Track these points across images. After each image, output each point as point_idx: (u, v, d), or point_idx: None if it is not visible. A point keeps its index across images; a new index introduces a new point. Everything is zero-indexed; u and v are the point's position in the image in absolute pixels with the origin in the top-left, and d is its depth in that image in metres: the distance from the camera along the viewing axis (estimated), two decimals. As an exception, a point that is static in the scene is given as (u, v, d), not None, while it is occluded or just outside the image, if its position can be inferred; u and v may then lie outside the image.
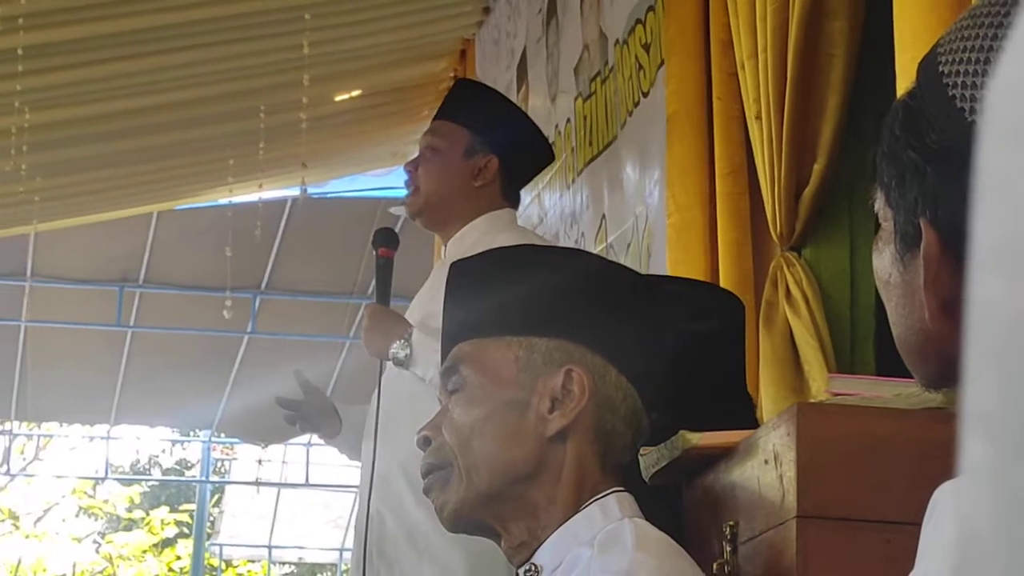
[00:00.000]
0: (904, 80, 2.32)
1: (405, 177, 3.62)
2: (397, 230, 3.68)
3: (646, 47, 4.07)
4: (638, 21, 4.14)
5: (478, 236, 3.36)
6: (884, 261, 1.08)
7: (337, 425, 3.60)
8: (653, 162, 4.02)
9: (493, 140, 3.54)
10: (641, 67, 4.11)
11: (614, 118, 4.38)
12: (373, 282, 3.60)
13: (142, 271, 8.86)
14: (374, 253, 3.53)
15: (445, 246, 3.61)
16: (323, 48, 5.60)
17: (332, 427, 3.61)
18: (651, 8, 4.02)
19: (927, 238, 1.02)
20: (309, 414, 3.59)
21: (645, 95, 4.09)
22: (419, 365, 3.34)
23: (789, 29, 3.01)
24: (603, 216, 4.47)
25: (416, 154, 3.68)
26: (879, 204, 1.09)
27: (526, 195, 5.23)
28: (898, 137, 1.05)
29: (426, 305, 3.47)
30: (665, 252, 3.79)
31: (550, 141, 5.04)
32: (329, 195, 8.59)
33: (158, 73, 5.63)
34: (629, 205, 4.23)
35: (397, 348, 3.35)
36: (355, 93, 6.69)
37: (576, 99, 4.78)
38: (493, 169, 3.52)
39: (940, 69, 1.02)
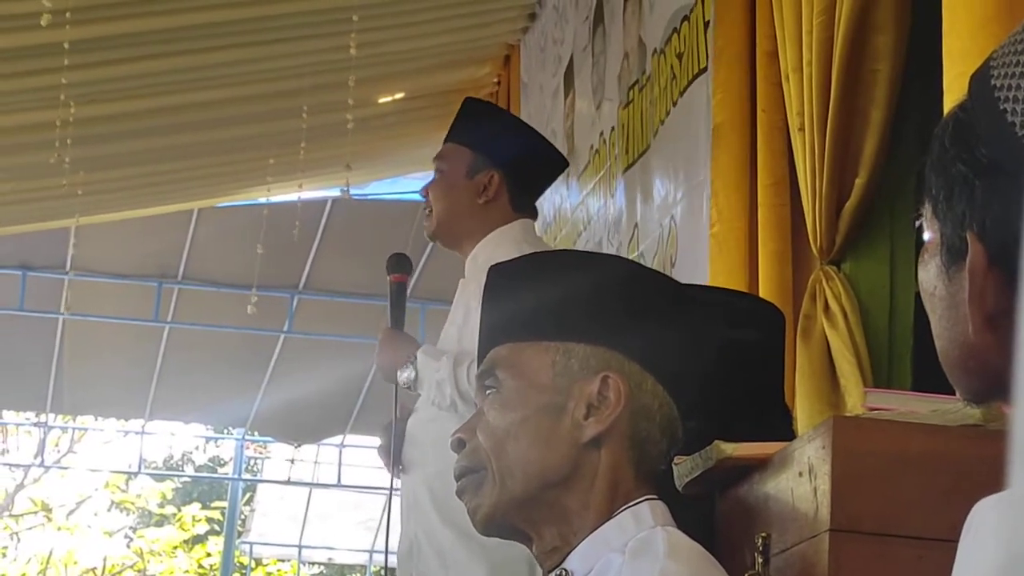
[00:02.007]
0: (951, 96, 2.31)
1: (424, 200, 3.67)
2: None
3: (679, 56, 4.06)
4: (674, 31, 4.13)
5: (490, 252, 3.37)
6: (929, 273, 1.08)
7: None
8: (679, 173, 4.01)
9: (494, 156, 3.55)
10: (675, 76, 4.10)
11: (648, 127, 4.38)
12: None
13: (181, 267, 8.90)
14: (388, 278, 3.57)
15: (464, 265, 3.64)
16: (368, 50, 5.62)
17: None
18: (686, 18, 4.02)
19: (973, 252, 1.01)
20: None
21: (675, 105, 4.09)
22: (423, 386, 3.37)
23: (834, 43, 3.00)
24: (635, 225, 4.47)
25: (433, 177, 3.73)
26: (926, 216, 1.08)
27: (574, 199, 5.23)
28: (947, 149, 1.04)
29: (447, 326, 3.52)
30: (689, 263, 3.79)
31: (594, 148, 5.04)
32: (370, 197, 8.61)
33: (203, 70, 5.65)
34: (656, 215, 4.23)
35: (404, 372, 3.40)
36: (398, 96, 6.71)
37: (619, 107, 4.77)
38: (496, 184, 3.53)
39: (992, 82, 1.01)
